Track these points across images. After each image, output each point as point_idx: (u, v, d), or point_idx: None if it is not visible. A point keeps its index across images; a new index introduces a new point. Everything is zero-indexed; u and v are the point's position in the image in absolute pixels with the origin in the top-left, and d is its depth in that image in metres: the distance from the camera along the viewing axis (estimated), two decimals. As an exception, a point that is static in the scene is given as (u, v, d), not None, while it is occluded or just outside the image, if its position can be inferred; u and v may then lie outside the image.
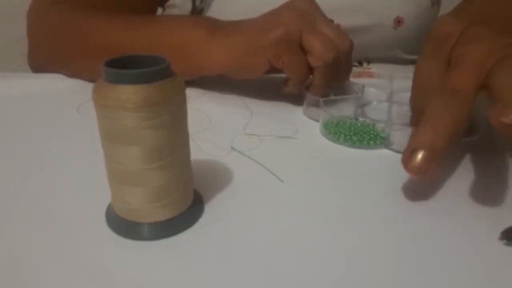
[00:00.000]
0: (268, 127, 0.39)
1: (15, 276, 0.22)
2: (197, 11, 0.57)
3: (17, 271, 0.23)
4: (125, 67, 0.23)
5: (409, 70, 0.44)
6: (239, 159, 0.34)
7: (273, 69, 0.40)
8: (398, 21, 0.53)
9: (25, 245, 0.24)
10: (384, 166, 0.33)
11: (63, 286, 0.22)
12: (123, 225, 0.25)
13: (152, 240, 0.25)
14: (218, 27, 0.42)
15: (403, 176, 0.29)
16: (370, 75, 0.55)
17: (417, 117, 0.30)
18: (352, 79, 0.47)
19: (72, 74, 0.49)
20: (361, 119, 0.40)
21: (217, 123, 0.40)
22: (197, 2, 0.56)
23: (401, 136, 0.35)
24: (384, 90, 0.45)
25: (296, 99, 0.44)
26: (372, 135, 0.36)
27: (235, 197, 0.29)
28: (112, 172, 0.25)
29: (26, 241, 0.25)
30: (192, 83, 0.48)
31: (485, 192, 0.30)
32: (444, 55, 0.30)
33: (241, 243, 0.25)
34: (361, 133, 0.37)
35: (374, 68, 0.58)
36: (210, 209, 0.28)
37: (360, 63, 0.58)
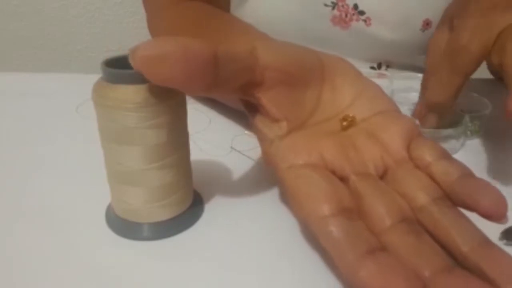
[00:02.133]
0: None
1: (15, 276, 0.22)
2: None
3: (17, 271, 0.23)
4: (125, 67, 0.23)
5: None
6: (239, 159, 0.34)
7: None
8: (427, 23, 0.53)
9: (25, 245, 0.24)
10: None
11: (63, 286, 0.22)
12: (123, 225, 0.25)
13: (152, 240, 0.25)
14: None
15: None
16: (380, 77, 0.55)
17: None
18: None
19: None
20: None
21: (217, 123, 0.40)
22: None
23: None
24: (385, 90, 0.44)
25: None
26: None
27: (235, 197, 0.29)
28: (112, 172, 0.25)
29: (25, 241, 0.25)
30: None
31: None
32: None
33: (241, 243, 0.25)
34: None
35: (391, 73, 0.57)
36: (210, 209, 0.28)
37: (379, 66, 0.58)
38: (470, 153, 0.35)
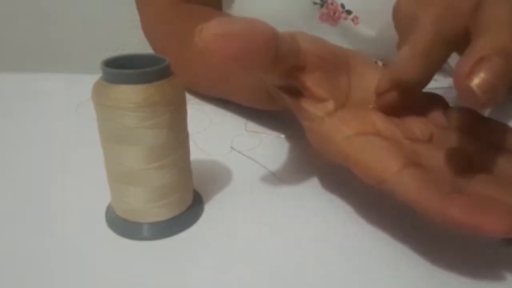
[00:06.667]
0: (268, 126, 0.39)
1: (14, 276, 0.22)
2: None
3: (16, 271, 0.23)
4: (125, 67, 0.23)
5: None
6: (239, 159, 0.34)
7: None
8: None
9: (24, 245, 0.24)
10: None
11: (62, 286, 0.22)
12: (123, 225, 0.25)
13: (152, 240, 0.25)
14: None
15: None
16: None
17: None
18: None
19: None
20: None
21: (217, 123, 0.40)
22: None
23: None
24: None
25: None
26: None
27: (235, 197, 0.29)
28: (112, 172, 0.25)
29: (25, 241, 0.25)
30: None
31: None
32: None
33: (241, 243, 0.25)
34: None
35: None
36: (210, 209, 0.28)
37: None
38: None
